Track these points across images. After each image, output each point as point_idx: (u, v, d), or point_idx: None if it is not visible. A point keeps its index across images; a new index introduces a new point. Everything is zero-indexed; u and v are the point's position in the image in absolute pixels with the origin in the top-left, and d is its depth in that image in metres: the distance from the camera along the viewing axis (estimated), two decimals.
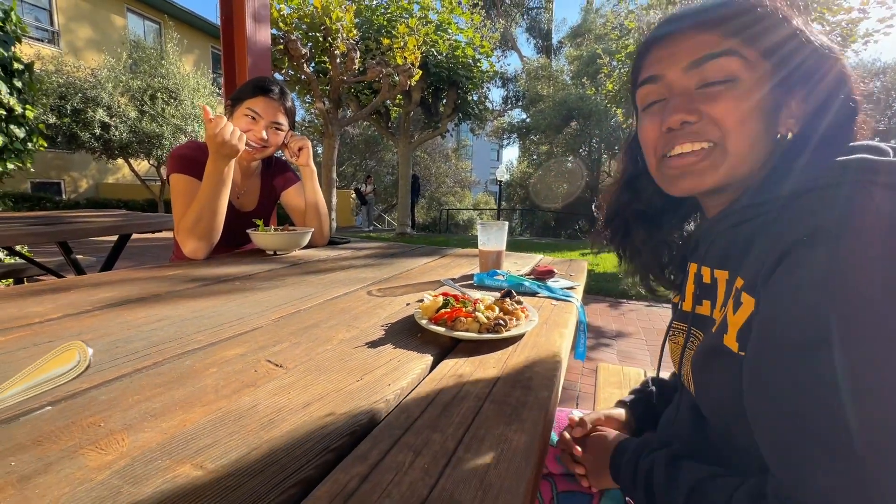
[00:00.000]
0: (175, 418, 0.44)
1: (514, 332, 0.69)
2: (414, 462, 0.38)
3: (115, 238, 2.73)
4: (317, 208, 1.56)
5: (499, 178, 15.94)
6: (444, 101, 10.14)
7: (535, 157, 17.96)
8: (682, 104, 0.53)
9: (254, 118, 1.36)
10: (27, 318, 0.72)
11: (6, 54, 3.97)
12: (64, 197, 11.81)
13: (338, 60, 6.87)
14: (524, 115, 17.70)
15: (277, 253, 1.43)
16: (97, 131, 9.56)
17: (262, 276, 1.11)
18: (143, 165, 11.89)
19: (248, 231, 1.38)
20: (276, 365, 0.58)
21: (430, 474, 0.37)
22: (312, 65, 7.49)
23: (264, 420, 0.44)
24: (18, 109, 4.08)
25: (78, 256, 2.79)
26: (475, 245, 1.26)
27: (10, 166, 4.19)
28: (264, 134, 1.38)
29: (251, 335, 0.68)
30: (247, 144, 1.34)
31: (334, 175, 8.23)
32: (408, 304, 0.89)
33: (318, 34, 6.86)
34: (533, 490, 0.38)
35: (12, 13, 4.05)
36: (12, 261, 3.76)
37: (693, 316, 0.61)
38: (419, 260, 1.47)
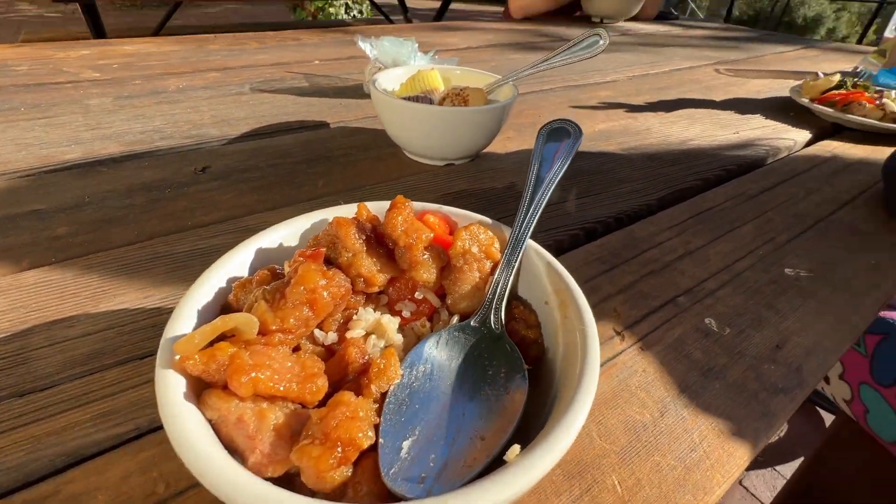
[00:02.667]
0: (587, 123, 0.58)
1: None
2: (807, 197, 0.44)
3: (434, 6, 3.08)
4: None
5: None
6: None
7: None
8: None
9: None
10: (449, 45, 0.97)
11: None
12: None
13: None
14: None
15: (605, 21, 1.39)
16: None
17: None
18: None
19: None
20: (648, 109, 0.66)
21: (825, 207, 0.42)
22: None
23: (659, 138, 0.55)
24: None
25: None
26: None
27: None
28: None
29: (612, 84, 0.77)
30: None
31: None
32: (765, 89, 0.81)
33: None
34: None
35: None
36: (369, 15, 4.72)
37: None
38: (772, 47, 1.21)
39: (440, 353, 0.17)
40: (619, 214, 0.39)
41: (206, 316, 0.16)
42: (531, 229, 0.21)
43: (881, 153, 0.55)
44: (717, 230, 0.37)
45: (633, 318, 0.27)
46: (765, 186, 0.45)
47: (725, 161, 0.50)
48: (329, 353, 0.16)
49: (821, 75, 0.68)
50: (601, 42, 0.41)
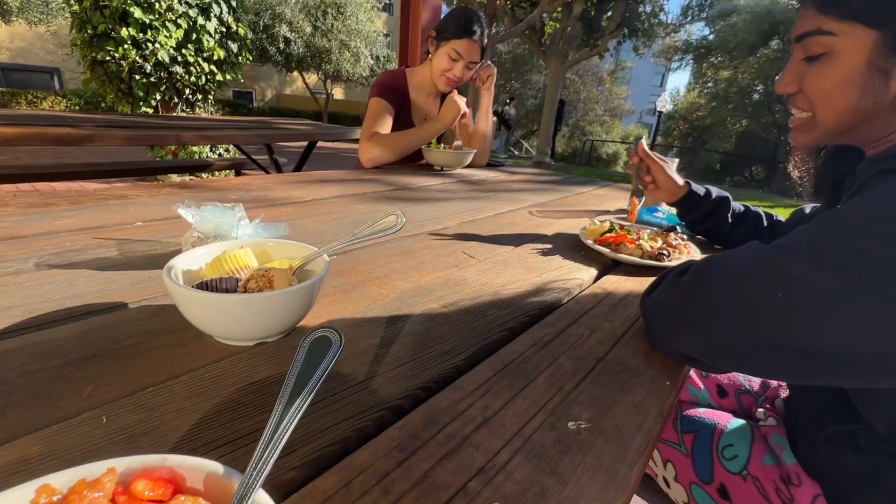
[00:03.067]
0: (414, 276, 0.63)
1: (675, 263, 0.74)
2: (591, 336, 0.51)
3: (302, 144, 3.30)
4: (485, 133, 1.69)
5: (659, 109, 13.94)
6: (610, 14, 8.98)
7: (710, 84, 15.19)
8: (786, 74, 0.59)
9: (455, 59, 1.51)
10: (294, 199, 1.01)
11: None
12: (254, 105, 14.03)
13: None
14: (707, 31, 14.84)
15: (444, 169, 1.62)
16: (281, 46, 10.90)
17: (437, 187, 1.30)
18: (312, 78, 13.30)
19: (423, 148, 1.58)
20: (470, 256, 0.74)
21: (605, 345, 0.49)
22: None
23: (475, 288, 0.61)
24: (234, 27, 4.88)
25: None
26: (618, 181, 1.26)
27: (228, 76, 5.13)
28: (461, 73, 1.54)
29: (445, 231, 0.86)
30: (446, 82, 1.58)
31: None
32: (565, 230, 0.99)
33: None
34: (685, 374, 0.48)
35: None
36: (235, 155, 4.80)
37: None
38: (574, 188, 1.52)
39: None
40: (429, 382, 0.40)
41: None
42: (262, 478, 0.19)
43: (645, 286, 0.69)
44: (516, 385, 0.40)
45: None
46: (560, 328, 0.52)
47: (528, 307, 0.56)
48: None
49: (596, 221, 0.85)
50: (398, 222, 0.46)
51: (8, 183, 2.85)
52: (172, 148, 4.76)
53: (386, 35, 14.95)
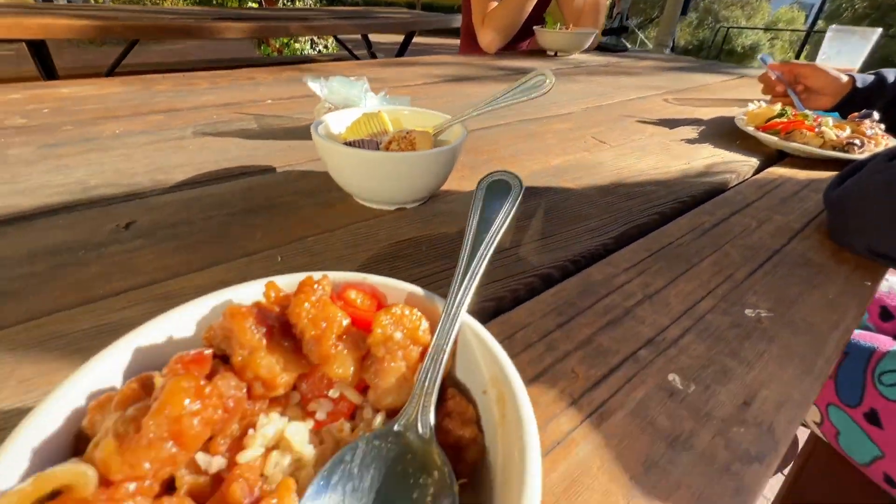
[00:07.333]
0: (542, 158, 0.58)
1: (868, 155, 0.59)
2: (759, 227, 0.44)
3: (397, 39, 3.15)
4: (597, 6, 1.44)
5: None
6: None
7: None
8: None
9: None
10: (406, 81, 0.97)
11: None
12: None
13: None
14: None
15: (558, 54, 1.44)
16: None
17: (553, 71, 1.17)
18: None
19: (536, 28, 1.40)
20: (601, 141, 0.67)
21: (779, 237, 0.42)
22: None
23: (613, 172, 0.55)
24: None
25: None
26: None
27: None
28: None
29: (569, 116, 0.78)
30: None
31: None
32: (711, 118, 0.83)
33: None
34: None
35: None
36: (335, 51, 4.80)
37: None
38: (714, 76, 1.27)
39: (354, 474, 0.14)
40: (576, 257, 0.37)
41: (47, 455, 0.12)
42: (466, 303, 0.18)
43: (824, 180, 0.57)
44: (675, 268, 0.36)
45: (592, 378, 0.25)
46: (720, 217, 0.45)
47: (680, 193, 0.49)
48: (218, 483, 0.13)
49: (761, 103, 0.70)
50: (547, 82, 0.41)
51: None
52: (277, 45, 4.86)
53: None
